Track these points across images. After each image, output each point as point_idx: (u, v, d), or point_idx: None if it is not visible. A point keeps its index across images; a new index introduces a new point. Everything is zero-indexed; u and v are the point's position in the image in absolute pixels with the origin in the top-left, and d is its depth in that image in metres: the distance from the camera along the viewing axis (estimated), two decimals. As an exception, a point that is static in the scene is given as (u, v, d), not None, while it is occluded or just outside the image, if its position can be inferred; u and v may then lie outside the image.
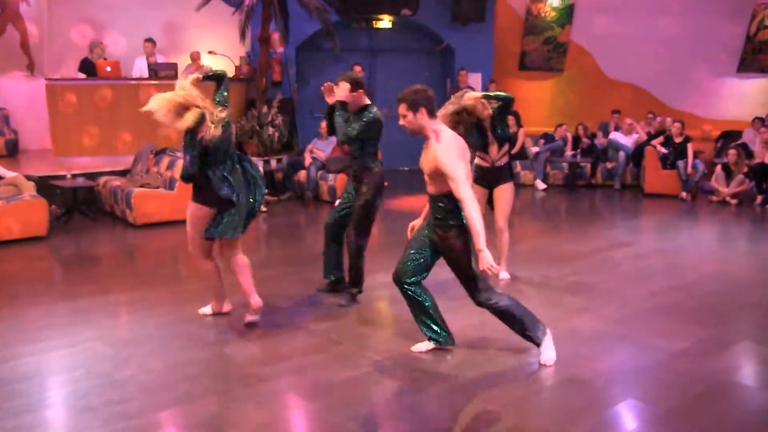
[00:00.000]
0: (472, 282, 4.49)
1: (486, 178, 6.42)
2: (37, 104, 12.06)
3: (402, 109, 4.36)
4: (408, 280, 4.63)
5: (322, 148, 10.97)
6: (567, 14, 14.63)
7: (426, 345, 4.81)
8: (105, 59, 11.83)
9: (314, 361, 4.63)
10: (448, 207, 4.41)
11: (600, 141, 13.03)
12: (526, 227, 9.55)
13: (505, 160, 6.40)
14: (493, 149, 6.32)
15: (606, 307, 5.78)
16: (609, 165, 12.57)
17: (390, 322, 5.61)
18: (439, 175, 4.32)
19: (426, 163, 4.42)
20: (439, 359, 4.70)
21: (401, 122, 4.40)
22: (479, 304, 4.54)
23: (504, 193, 6.41)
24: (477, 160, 6.41)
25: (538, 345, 4.63)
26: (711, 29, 14.24)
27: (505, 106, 6.14)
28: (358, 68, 12.05)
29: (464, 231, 4.40)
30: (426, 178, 4.48)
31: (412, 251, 4.63)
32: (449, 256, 4.51)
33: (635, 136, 12.60)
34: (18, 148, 12.42)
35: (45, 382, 4.37)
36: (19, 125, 12.60)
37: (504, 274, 6.56)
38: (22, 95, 12.68)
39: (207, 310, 5.52)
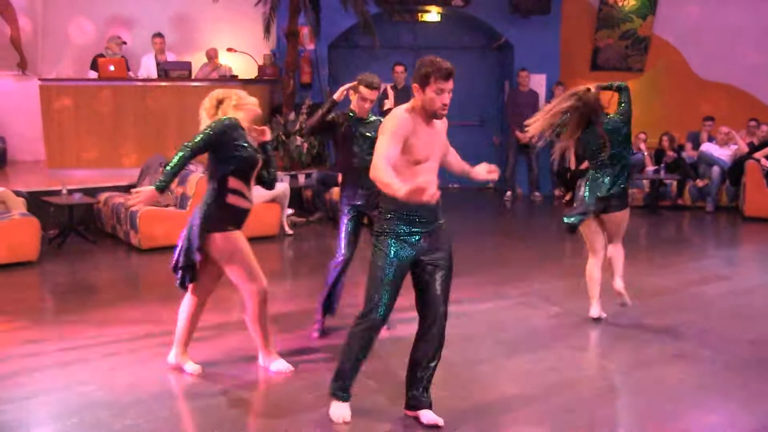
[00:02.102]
0: (447, 302, 4.47)
1: None
2: (28, 108, 12.29)
3: (452, 83, 4.25)
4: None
5: (357, 163, 10.98)
6: (649, 3, 14.51)
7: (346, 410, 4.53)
8: (122, 57, 12.05)
9: (346, 413, 4.59)
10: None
11: (689, 154, 12.87)
12: (600, 256, 9.43)
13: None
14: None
15: (697, 355, 5.66)
16: (700, 183, 12.38)
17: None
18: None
19: (439, 147, 4.41)
20: (484, 412, 4.63)
21: (446, 101, 4.25)
22: (443, 320, 4.44)
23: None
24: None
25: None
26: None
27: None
28: (400, 69, 12.09)
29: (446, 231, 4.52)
30: (434, 168, 4.40)
31: (397, 285, 4.42)
32: (445, 261, 4.43)
33: (733, 147, 12.41)
34: (6, 158, 12.68)
35: (32, 433, 4.40)
36: (7, 132, 12.87)
37: (596, 311, 6.49)
38: (12, 98, 12.96)
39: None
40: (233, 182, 4.94)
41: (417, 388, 4.50)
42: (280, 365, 5.24)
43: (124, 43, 12.40)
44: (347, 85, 5.93)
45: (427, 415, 4.45)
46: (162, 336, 6.00)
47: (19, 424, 4.45)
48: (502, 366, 5.40)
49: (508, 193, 13.49)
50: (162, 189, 4.78)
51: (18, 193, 9.02)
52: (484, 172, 4.69)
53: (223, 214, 4.94)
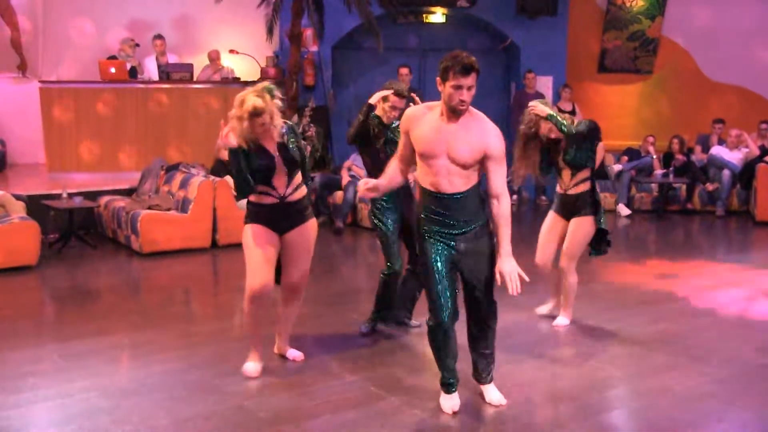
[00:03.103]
0: (492, 301, 4.61)
1: (563, 206, 6.43)
2: (28, 111, 12.34)
3: (473, 79, 4.21)
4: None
5: (362, 166, 10.98)
6: (658, 4, 14.52)
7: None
8: (137, 60, 12.10)
9: (350, 419, 4.60)
10: (477, 204, 4.49)
11: (698, 157, 12.85)
12: (606, 262, 9.39)
13: (582, 188, 6.28)
14: (566, 174, 6.34)
15: (707, 363, 5.63)
16: (710, 186, 12.37)
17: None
18: (477, 162, 4.35)
19: (456, 148, 4.30)
20: (490, 420, 4.63)
21: (464, 97, 4.21)
22: (489, 328, 4.67)
23: (576, 227, 6.29)
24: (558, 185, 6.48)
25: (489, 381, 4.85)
26: None
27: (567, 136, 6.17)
28: (404, 71, 12.09)
29: (490, 232, 4.56)
30: (455, 170, 4.34)
31: (449, 282, 4.52)
32: (477, 268, 4.50)
33: (744, 150, 12.39)
34: (5, 161, 12.70)
35: (31, 439, 4.41)
36: (7, 135, 12.89)
37: (559, 320, 6.48)
38: (12, 100, 12.99)
39: None
40: (257, 186, 5.11)
41: (475, 368, 4.85)
42: (248, 367, 5.27)
43: (137, 45, 12.43)
44: (382, 92, 5.93)
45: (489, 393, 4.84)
46: (163, 341, 6.02)
47: (19, 430, 4.45)
48: (508, 373, 5.39)
49: (514, 196, 13.46)
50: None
51: (18, 197, 9.04)
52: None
53: (249, 209, 5.23)
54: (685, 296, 7.49)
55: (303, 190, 5.28)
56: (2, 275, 8.04)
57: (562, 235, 6.39)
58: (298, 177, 5.25)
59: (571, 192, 6.31)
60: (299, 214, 5.25)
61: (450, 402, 4.68)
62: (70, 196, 9.52)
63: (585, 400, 4.89)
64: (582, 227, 6.27)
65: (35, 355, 5.72)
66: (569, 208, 6.35)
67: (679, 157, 12.55)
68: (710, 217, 12.15)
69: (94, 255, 9.18)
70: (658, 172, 12.60)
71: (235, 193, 5.26)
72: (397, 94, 5.89)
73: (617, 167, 12.66)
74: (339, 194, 11.14)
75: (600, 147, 13.23)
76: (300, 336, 6.03)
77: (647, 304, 7.17)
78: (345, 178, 11.09)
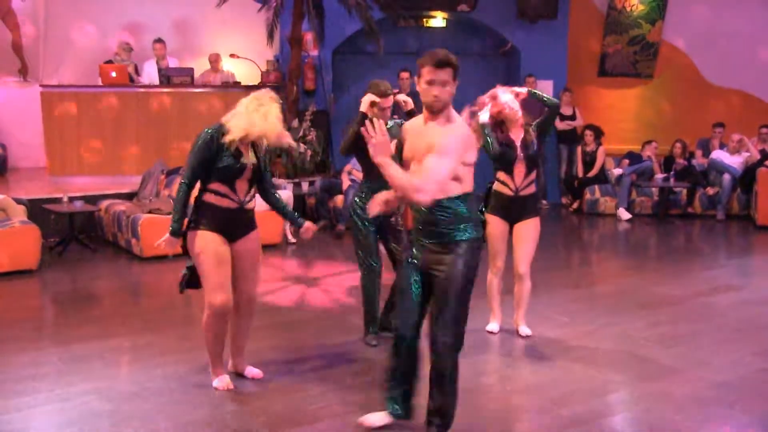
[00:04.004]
0: (459, 319, 4.13)
1: (506, 209, 6.11)
2: (30, 114, 12.36)
3: (447, 74, 4.00)
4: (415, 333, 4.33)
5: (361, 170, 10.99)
6: (658, 8, 14.53)
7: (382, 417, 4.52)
8: (133, 64, 12.13)
9: (351, 423, 4.60)
10: (451, 218, 4.10)
11: (699, 161, 12.86)
12: (606, 265, 9.42)
13: (532, 189, 6.11)
14: (519, 172, 6.04)
15: (707, 366, 5.65)
16: (710, 191, 12.38)
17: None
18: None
19: (422, 149, 4.03)
20: (491, 425, 4.63)
21: (436, 93, 3.97)
22: (439, 352, 4.09)
23: (528, 230, 6.12)
24: (496, 185, 6.15)
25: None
26: None
27: (549, 116, 6.17)
28: (405, 75, 12.11)
29: (471, 249, 4.14)
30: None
31: (415, 295, 4.27)
32: (444, 284, 4.08)
33: (745, 154, 12.40)
34: (6, 165, 12.73)
35: (32, 443, 4.42)
36: (8, 139, 12.93)
37: (525, 330, 6.31)
38: (13, 104, 13.01)
39: None
40: (214, 184, 4.95)
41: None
42: (219, 383, 5.14)
43: (131, 49, 12.45)
44: (368, 98, 5.84)
45: None
46: (163, 345, 6.03)
47: (19, 435, 4.48)
48: (508, 377, 5.41)
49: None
50: (176, 231, 4.96)
51: (19, 201, 9.06)
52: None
53: (199, 212, 4.97)
54: (685, 300, 7.49)
55: (254, 201, 5.11)
56: (3, 279, 8.05)
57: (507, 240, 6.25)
58: (254, 188, 5.08)
59: (523, 193, 6.06)
60: (250, 222, 5.09)
61: (374, 417, 4.48)
62: (71, 199, 9.53)
63: (585, 404, 4.89)
64: (535, 229, 6.14)
65: (36, 358, 5.73)
66: (518, 211, 6.09)
67: (680, 161, 12.56)
68: (711, 221, 12.15)
69: (94, 259, 9.19)
70: (659, 176, 12.61)
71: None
72: (379, 94, 5.80)
73: (617, 171, 12.67)
74: (339, 198, 11.14)
75: (601, 150, 13.39)
76: (300, 339, 6.04)
77: (647, 308, 7.17)
78: (345, 182, 11.09)
